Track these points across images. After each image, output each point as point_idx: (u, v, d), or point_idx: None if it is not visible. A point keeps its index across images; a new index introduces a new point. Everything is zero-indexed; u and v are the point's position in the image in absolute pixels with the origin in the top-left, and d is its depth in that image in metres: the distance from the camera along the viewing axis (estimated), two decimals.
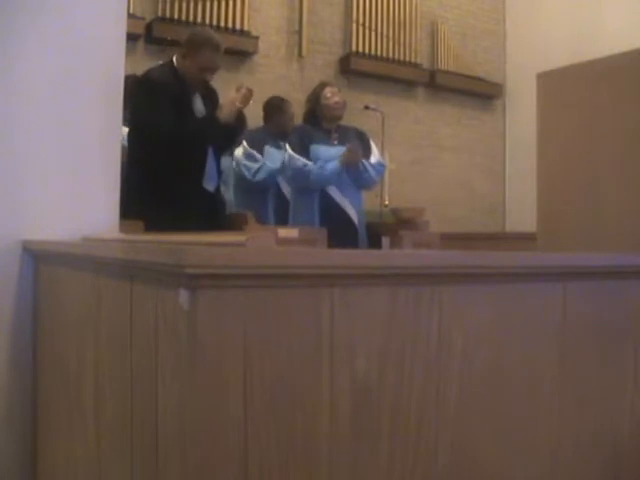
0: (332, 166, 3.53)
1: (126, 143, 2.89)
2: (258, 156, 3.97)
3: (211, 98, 3.07)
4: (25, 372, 1.82)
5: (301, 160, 3.56)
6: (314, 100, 3.74)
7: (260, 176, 3.94)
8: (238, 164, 3.97)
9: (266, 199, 4.04)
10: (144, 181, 2.82)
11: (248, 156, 3.95)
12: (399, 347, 1.07)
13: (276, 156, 3.98)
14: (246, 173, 3.95)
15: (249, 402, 0.93)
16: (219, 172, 3.12)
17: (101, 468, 1.32)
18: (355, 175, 3.68)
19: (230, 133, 3.05)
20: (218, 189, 3.09)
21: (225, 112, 2.90)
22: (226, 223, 3.09)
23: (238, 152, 3.96)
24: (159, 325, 1.02)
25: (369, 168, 3.69)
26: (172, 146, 2.79)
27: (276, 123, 4.17)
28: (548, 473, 1.27)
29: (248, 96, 2.94)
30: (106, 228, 1.92)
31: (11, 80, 1.84)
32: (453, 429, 1.13)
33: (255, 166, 3.95)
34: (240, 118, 3.09)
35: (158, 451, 1.02)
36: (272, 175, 3.96)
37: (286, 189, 4.01)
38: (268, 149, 4.02)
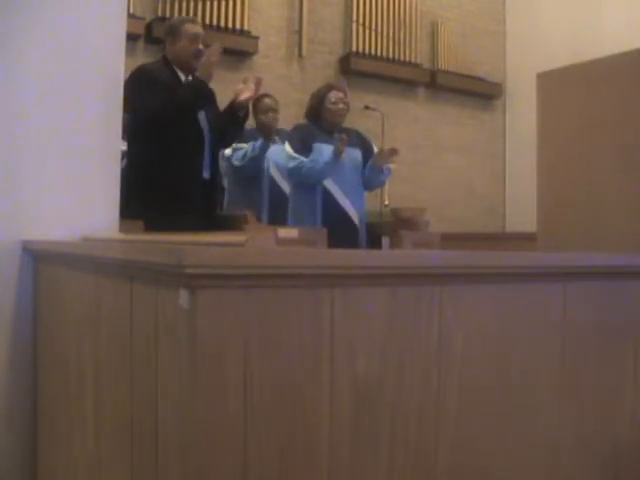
0: (325, 159, 3.53)
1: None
2: (243, 144, 3.95)
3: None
4: (25, 372, 1.82)
5: (296, 159, 3.57)
6: (318, 100, 3.73)
7: (246, 159, 3.90)
8: (228, 159, 3.94)
9: (260, 194, 4.01)
10: (142, 175, 2.84)
11: (234, 149, 3.93)
12: (399, 347, 1.07)
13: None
14: (235, 162, 3.91)
15: (249, 402, 0.93)
16: (215, 161, 3.13)
17: (101, 468, 1.32)
18: (371, 176, 3.71)
19: (236, 125, 3.07)
20: (214, 176, 3.11)
21: (202, 71, 2.89)
22: (220, 210, 3.12)
23: (227, 151, 3.94)
24: (159, 325, 1.02)
25: (385, 172, 3.75)
26: (169, 130, 2.80)
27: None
28: (548, 473, 1.27)
29: (258, 86, 3.00)
30: (106, 228, 1.92)
31: (11, 80, 1.84)
32: (453, 429, 1.13)
33: (241, 153, 3.92)
34: (246, 112, 3.11)
35: (158, 451, 1.02)
36: (255, 160, 3.90)
37: (284, 185, 3.99)
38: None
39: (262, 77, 3.09)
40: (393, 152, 3.73)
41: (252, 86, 2.99)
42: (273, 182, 4.03)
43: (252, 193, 3.96)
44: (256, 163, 3.88)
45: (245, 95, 2.98)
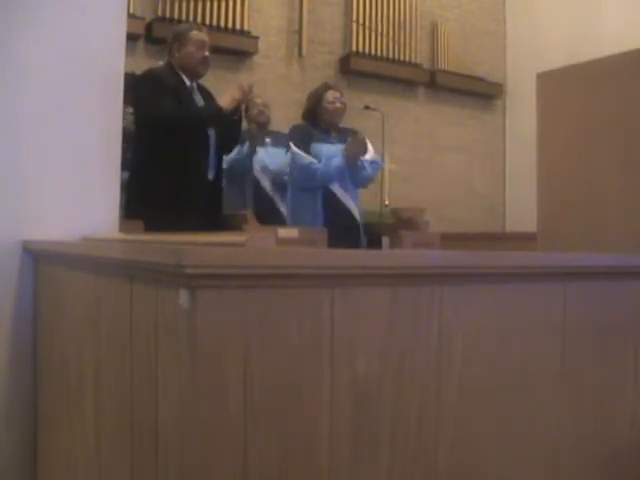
0: (336, 162, 3.53)
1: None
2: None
3: (208, 95, 3.11)
4: (25, 372, 1.82)
5: (307, 158, 3.55)
6: (315, 100, 3.73)
7: (232, 161, 3.88)
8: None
9: (243, 194, 4.00)
10: (147, 175, 2.85)
11: None
12: (399, 347, 1.07)
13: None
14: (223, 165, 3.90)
15: (249, 402, 0.93)
16: (220, 162, 3.14)
17: (101, 468, 1.32)
18: (353, 173, 3.69)
19: (231, 128, 3.08)
20: (218, 178, 3.12)
21: (223, 101, 2.94)
22: (223, 212, 3.17)
23: None
24: (159, 325, 1.02)
25: (366, 165, 3.69)
26: (175, 134, 2.82)
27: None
28: (548, 473, 1.27)
29: (248, 92, 3.02)
30: (106, 228, 1.92)
31: (10, 80, 1.84)
32: (453, 429, 1.13)
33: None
34: (240, 116, 3.12)
35: (158, 451, 1.02)
36: (240, 161, 3.87)
37: (266, 184, 3.99)
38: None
39: (253, 83, 3.10)
40: (361, 142, 3.61)
41: (240, 92, 2.98)
42: (257, 183, 4.03)
43: (240, 193, 3.96)
44: (240, 164, 3.88)
45: (225, 98, 2.96)
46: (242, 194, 3.97)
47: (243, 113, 3.20)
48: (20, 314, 1.83)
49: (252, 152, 3.86)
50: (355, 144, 3.59)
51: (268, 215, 3.80)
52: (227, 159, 3.82)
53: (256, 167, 3.98)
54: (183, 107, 2.90)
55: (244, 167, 3.91)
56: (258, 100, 4.24)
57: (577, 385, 1.32)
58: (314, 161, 3.54)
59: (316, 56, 5.97)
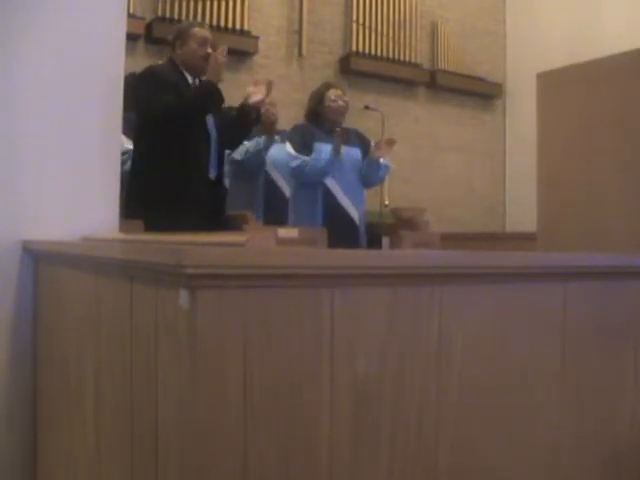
0: (325, 156, 3.54)
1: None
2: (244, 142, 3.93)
3: None
4: (25, 372, 1.82)
5: (298, 159, 3.58)
6: (317, 100, 3.74)
7: (248, 153, 3.86)
8: (229, 154, 3.89)
9: (257, 191, 3.98)
10: (147, 174, 2.84)
11: None
12: (399, 347, 1.07)
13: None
14: (236, 157, 3.86)
15: (249, 402, 0.93)
16: (222, 161, 3.14)
17: (101, 468, 1.32)
18: (369, 172, 3.71)
19: (246, 125, 3.09)
20: (220, 178, 3.13)
21: (211, 74, 2.92)
22: (226, 212, 3.17)
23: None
24: (159, 325, 1.02)
25: (382, 167, 3.74)
26: (176, 129, 2.81)
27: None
28: (548, 473, 1.27)
29: (269, 88, 3.03)
30: (106, 228, 1.92)
31: (10, 80, 1.84)
32: (453, 429, 1.13)
33: (242, 148, 3.88)
34: (258, 114, 3.12)
35: (158, 451, 1.02)
36: (256, 155, 3.86)
37: (280, 182, 3.98)
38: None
39: (272, 80, 3.11)
40: (391, 142, 3.72)
41: (263, 89, 3.02)
42: (270, 180, 4.02)
43: (251, 190, 3.95)
44: (257, 159, 3.85)
45: (256, 97, 3.00)
46: (254, 190, 3.96)
47: (261, 112, 3.20)
48: (20, 314, 1.83)
49: (267, 146, 3.83)
50: (385, 145, 3.69)
51: (282, 211, 3.79)
52: (240, 151, 3.81)
53: (269, 164, 3.97)
54: (182, 97, 2.89)
55: (259, 160, 3.88)
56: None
57: (577, 385, 1.32)
58: (305, 158, 3.56)
59: (316, 56, 5.98)
